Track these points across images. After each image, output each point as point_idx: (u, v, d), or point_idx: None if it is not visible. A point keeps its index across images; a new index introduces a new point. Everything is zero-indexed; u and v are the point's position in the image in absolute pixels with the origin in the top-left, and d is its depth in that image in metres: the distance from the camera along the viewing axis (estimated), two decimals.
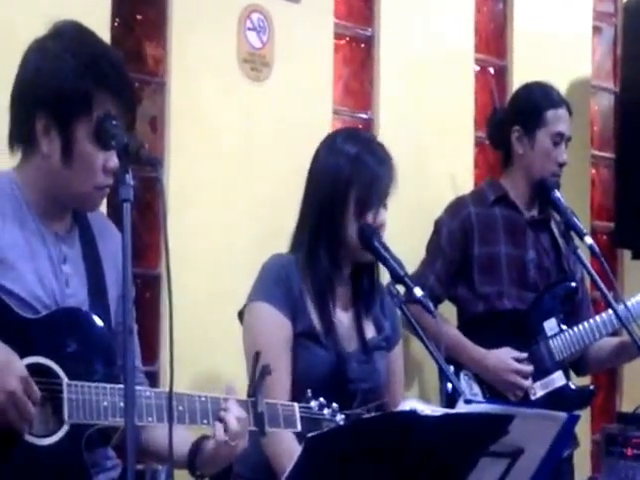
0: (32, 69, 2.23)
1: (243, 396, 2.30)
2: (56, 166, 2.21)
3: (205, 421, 2.24)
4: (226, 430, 2.20)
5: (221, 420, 2.22)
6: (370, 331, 2.79)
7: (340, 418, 2.40)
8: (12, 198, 2.23)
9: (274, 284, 2.65)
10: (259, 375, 2.27)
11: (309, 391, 2.39)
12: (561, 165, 3.66)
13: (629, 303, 3.54)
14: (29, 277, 2.19)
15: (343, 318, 2.75)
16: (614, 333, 3.66)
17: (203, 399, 2.25)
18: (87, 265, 2.30)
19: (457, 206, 3.69)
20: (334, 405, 2.40)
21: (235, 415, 2.22)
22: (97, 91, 2.18)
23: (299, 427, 2.36)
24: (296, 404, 2.38)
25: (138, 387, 2.16)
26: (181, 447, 2.27)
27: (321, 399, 2.39)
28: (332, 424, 2.37)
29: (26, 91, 2.23)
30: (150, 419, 2.17)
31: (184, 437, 2.30)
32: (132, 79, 2.34)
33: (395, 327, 2.86)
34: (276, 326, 2.61)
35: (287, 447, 2.53)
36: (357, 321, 2.76)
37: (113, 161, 2.18)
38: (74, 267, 2.28)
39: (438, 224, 3.69)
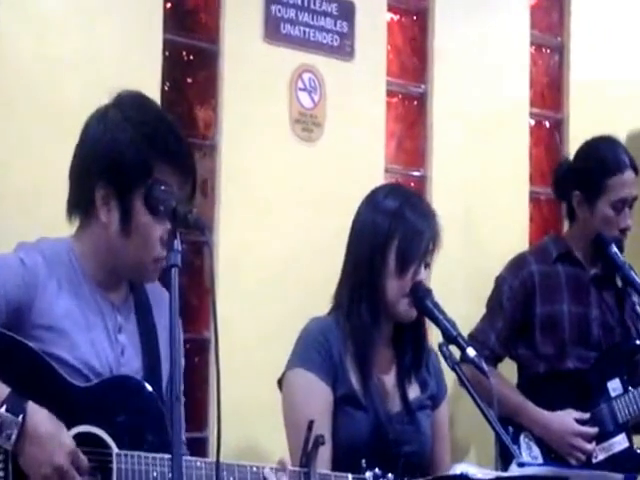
0: (92, 139, 2.23)
1: None
2: (114, 236, 2.20)
3: None
4: None
5: None
6: (414, 391, 2.73)
7: None
8: (69, 267, 2.23)
9: (313, 349, 2.60)
10: (312, 445, 2.22)
11: (363, 461, 2.33)
12: (623, 230, 3.51)
13: None
14: (83, 347, 2.18)
15: (385, 379, 2.69)
16: None
17: (255, 469, 2.21)
18: (142, 335, 2.29)
19: (519, 263, 3.58)
20: (389, 476, 2.34)
21: None
22: (157, 161, 2.18)
23: None
24: (350, 475, 2.33)
25: (189, 457, 2.13)
26: None
27: (376, 470, 2.33)
28: None
29: (86, 160, 2.23)
30: None
31: None
32: (191, 148, 2.33)
33: (440, 384, 2.80)
34: (315, 394, 2.55)
35: None
36: (400, 382, 2.70)
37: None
38: (129, 337, 2.27)
39: (499, 280, 3.59)
